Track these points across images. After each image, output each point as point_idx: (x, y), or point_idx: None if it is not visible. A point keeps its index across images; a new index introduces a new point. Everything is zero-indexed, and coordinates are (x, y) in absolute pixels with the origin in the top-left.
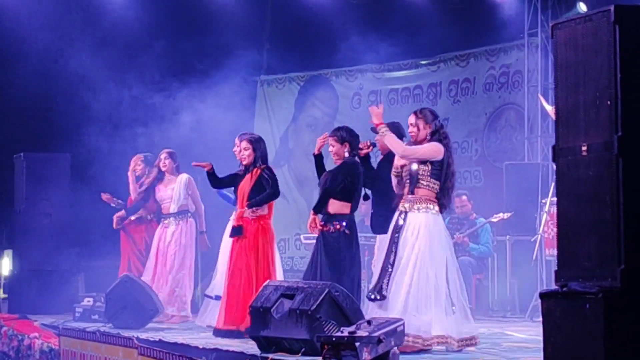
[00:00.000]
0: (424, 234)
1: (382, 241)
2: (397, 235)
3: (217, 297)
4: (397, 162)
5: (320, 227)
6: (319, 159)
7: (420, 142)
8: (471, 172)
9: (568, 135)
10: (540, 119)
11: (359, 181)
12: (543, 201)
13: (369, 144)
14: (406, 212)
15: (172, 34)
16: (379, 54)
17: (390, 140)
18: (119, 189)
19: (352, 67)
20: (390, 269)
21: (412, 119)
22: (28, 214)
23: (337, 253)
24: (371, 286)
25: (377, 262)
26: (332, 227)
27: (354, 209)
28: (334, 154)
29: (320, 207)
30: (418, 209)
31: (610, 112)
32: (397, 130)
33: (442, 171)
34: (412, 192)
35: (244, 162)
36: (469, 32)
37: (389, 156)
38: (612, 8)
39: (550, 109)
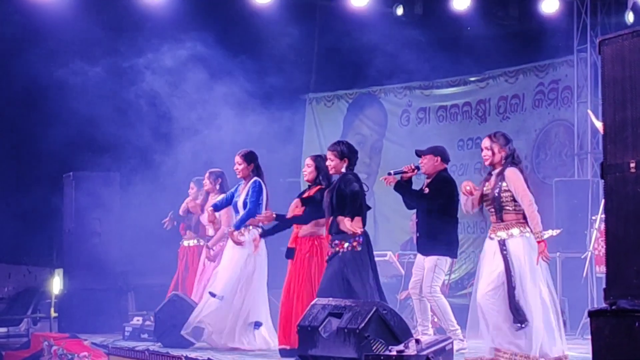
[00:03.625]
0: (527, 259)
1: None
2: (508, 264)
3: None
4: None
5: (337, 248)
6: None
7: (494, 166)
8: None
9: (616, 151)
10: (590, 135)
11: (364, 194)
12: (593, 218)
13: (413, 167)
14: (504, 240)
15: (222, 53)
16: (427, 71)
17: (536, 221)
18: (166, 209)
19: (400, 84)
20: (519, 299)
21: (486, 142)
22: (77, 233)
23: (359, 268)
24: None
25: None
26: (349, 246)
27: (364, 223)
28: (332, 168)
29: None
30: (512, 234)
31: None
32: (444, 154)
33: None
34: (501, 220)
35: (305, 179)
36: (517, 48)
37: (436, 180)
38: None
39: (599, 125)
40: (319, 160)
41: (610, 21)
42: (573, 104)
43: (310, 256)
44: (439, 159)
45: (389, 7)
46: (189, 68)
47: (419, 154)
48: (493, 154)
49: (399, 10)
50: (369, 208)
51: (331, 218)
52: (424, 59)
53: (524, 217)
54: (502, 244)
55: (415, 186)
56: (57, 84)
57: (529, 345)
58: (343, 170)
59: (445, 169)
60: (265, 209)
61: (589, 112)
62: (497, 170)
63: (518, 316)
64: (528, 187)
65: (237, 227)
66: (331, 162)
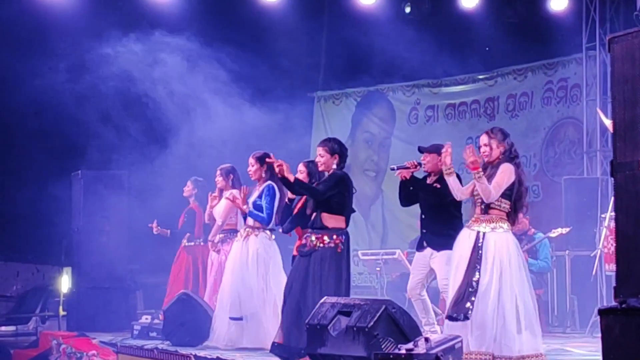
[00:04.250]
0: (504, 254)
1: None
2: (477, 255)
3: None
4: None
5: (317, 242)
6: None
7: (492, 162)
8: (530, 187)
9: (626, 150)
10: (599, 133)
11: (351, 194)
12: (602, 216)
13: (415, 163)
14: (483, 233)
15: (230, 51)
16: (435, 69)
17: (483, 187)
18: (174, 207)
19: (408, 82)
20: (474, 290)
21: (484, 138)
22: (86, 231)
23: (337, 266)
24: (450, 306)
25: (454, 280)
26: (331, 242)
27: (347, 223)
28: (322, 164)
29: (298, 188)
30: (493, 228)
31: None
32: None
33: (512, 191)
34: (485, 212)
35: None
36: (526, 45)
37: (440, 178)
38: None
39: (609, 123)
40: (311, 166)
41: (619, 19)
42: (582, 101)
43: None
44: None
45: (397, 5)
46: (196, 67)
47: (422, 150)
48: (491, 149)
49: (407, 9)
50: (354, 211)
51: (315, 214)
52: (432, 57)
53: (507, 215)
54: (481, 237)
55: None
56: (65, 83)
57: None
58: (334, 166)
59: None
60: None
61: (598, 110)
62: (494, 165)
63: (461, 309)
64: (522, 180)
65: (252, 214)
66: (321, 158)
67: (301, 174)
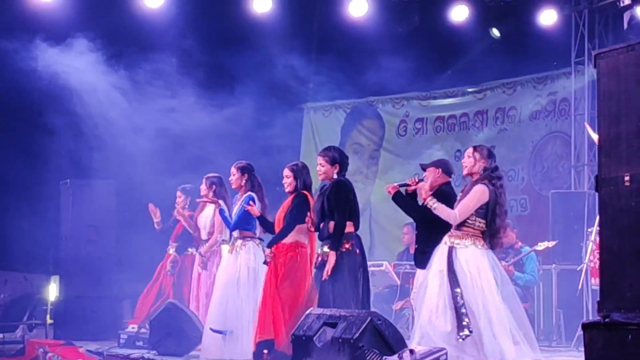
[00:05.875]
0: (473, 268)
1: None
2: (453, 271)
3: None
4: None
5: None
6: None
7: (472, 175)
8: (517, 201)
9: (611, 165)
10: (587, 147)
11: (356, 198)
12: (589, 230)
13: (417, 180)
14: (455, 249)
15: (219, 62)
16: (425, 82)
17: (442, 211)
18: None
19: (398, 94)
20: (460, 304)
21: (470, 151)
22: (74, 240)
23: (350, 271)
24: (451, 327)
25: (421, 297)
26: (343, 248)
27: (357, 227)
28: (323, 174)
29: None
30: (465, 245)
31: None
32: (447, 167)
33: (487, 211)
34: (458, 229)
35: (286, 190)
36: (515, 60)
37: (437, 193)
38: None
39: (596, 137)
40: (296, 170)
41: (608, 34)
42: (570, 116)
43: (284, 263)
44: (440, 170)
45: (387, 18)
46: (184, 76)
47: (424, 167)
48: (474, 162)
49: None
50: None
51: (322, 224)
52: (422, 69)
53: (482, 233)
54: (451, 250)
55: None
56: (54, 91)
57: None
58: (335, 176)
59: (448, 183)
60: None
61: (586, 124)
62: (473, 180)
63: (462, 325)
64: (500, 202)
65: (227, 224)
66: (322, 168)
67: (287, 178)
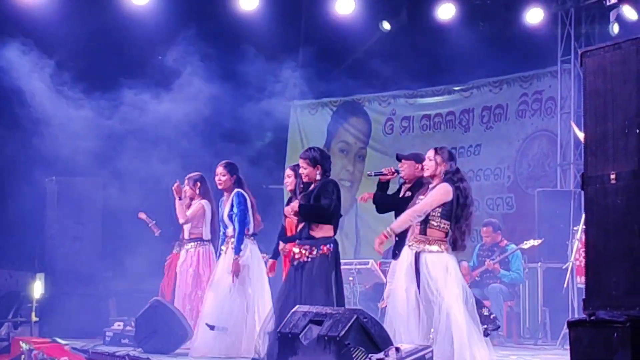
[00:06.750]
0: (439, 274)
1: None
2: (417, 276)
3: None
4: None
5: (306, 254)
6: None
7: (434, 177)
8: (503, 199)
9: (597, 163)
10: (573, 145)
11: (340, 201)
12: (575, 228)
13: (392, 170)
14: (419, 253)
15: (205, 61)
16: (411, 80)
17: (403, 220)
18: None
19: (385, 92)
20: (429, 310)
21: (431, 153)
22: (59, 237)
23: (326, 276)
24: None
25: (393, 298)
26: (319, 251)
27: (335, 231)
28: (305, 176)
29: (305, 213)
30: (430, 250)
31: (639, 141)
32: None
33: (451, 212)
34: (423, 233)
35: (288, 189)
36: (502, 58)
37: (414, 186)
38: None
39: (582, 136)
40: (298, 170)
41: (594, 33)
42: (556, 114)
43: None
44: (420, 166)
45: (374, 16)
46: (173, 74)
47: (400, 158)
48: (436, 164)
49: (385, 25)
50: (341, 215)
51: (303, 224)
52: (408, 67)
53: (446, 236)
54: (417, 256)
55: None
56: (39, 89)
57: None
58: (318, 177)
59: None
60: (254, 218)
61: (572, 123)
62: (433, 184)
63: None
64: (466, 203)
65: (237, 251)
66: (304, 170)
67: (289, 177)
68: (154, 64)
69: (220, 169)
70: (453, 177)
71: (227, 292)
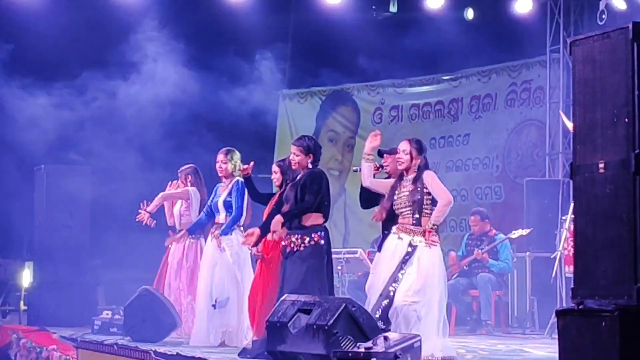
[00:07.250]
0: (432, 270)
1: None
2: (404, 264)
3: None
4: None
5: (298, 242)
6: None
7: (407, 170)
8: (492, 188)
9: (585, 152)
10: (561, 135)
11: (329, 191)
12: (563, 218)
13: (377, 166)
14: (415, 246)
15: (195, 50)
16: (400, 69)
17: (440, 217)
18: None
19: (373, 82)
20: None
21: (405, 145)
22: (48, 226)
23: (319, 264)
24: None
25: (376, 284)
26: (311, 240)
27: (326, 219)
28: (296, 164)
29: (292, 220)
30: (421, 241)
31: (628, 130)
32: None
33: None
34: (418, 224)
35: (276, 185)
36: (490, 47)
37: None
38: (630, 26)
39: (571, 125)
40: (283, 165)
41: (583, 22)
42: (545, 104)
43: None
44: None
45: (363, 5)
46: (161, 65)
47: (382, 153)
48: (411, 157)
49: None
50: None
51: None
52: (397, 57)
53: (434, 224)
54: (414, 249)
55: None
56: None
57: None
58: (309, 165)
59: None
60: (247, 210)
61: (561, 112)
62: (411, 176)
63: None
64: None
65: (225, 232)
66: (296, 157)
67: (275, 174)
68: (145, 54)
69: (221, 157)
70: (427, 166)
71: (217, 271)
